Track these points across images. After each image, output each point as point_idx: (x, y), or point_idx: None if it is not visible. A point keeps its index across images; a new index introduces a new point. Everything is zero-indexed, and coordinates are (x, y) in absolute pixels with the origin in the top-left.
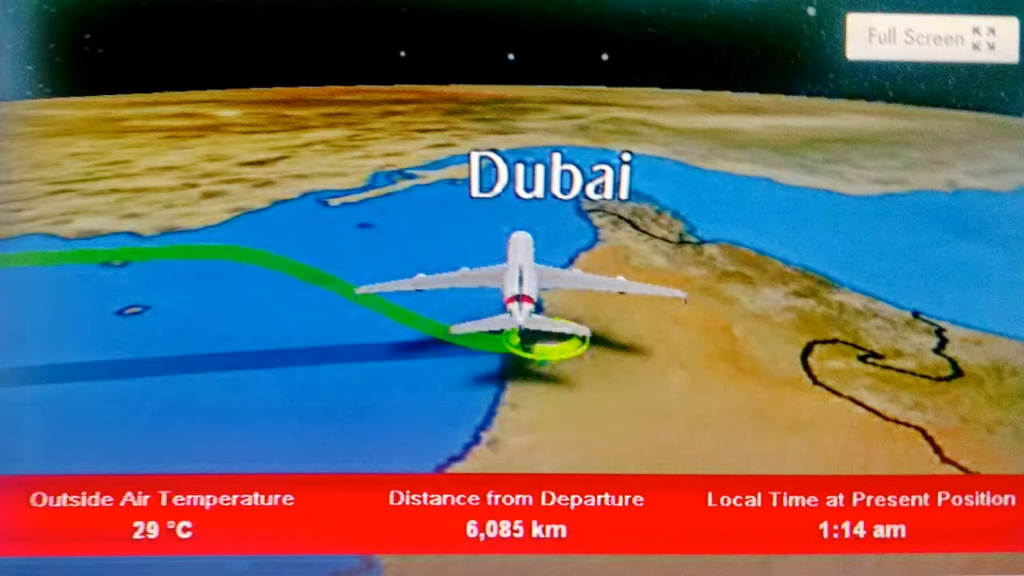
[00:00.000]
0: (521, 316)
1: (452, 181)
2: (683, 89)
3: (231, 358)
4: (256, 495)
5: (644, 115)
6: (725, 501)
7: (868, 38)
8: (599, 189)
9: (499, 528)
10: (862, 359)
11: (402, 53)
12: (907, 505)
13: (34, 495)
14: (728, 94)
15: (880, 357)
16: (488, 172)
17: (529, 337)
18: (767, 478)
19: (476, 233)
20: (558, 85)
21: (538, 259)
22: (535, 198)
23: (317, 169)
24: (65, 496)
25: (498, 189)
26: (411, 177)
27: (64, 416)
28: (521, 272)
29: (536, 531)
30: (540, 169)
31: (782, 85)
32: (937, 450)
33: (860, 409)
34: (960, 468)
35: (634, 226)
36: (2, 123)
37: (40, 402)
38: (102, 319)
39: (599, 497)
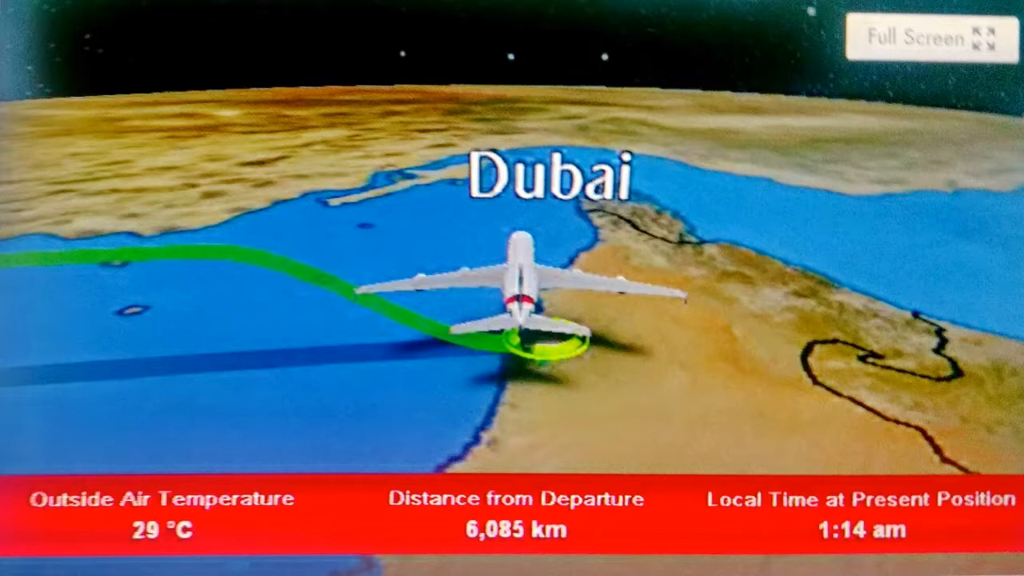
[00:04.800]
0: (521, 316)
1: (452, 181)
2: (683, 89)
3: (231, 358)
4: (256, 495)
5: (644, 115)
6: (725, 501)
7: (868, 38)
8: (599, 189)
9: (499, 528)
10: (862, 359)
11: (402, 53)
12: (907, 505)
13: (34, 495)
14: (728, 94)
15: (880, 357)
16: (488, 172)
17: (529, 337)
18: (767, 478)
19: (476, 233)
20: (558, 85)
21: (538, 259)
22: (535, 198)
23: (317, 169)
24: (65, 496)
25: (498, 189)
26: (411, 177)
27: (64, 416)
28: (521, 272)
29: (536, 531)
30: (540, 169)
31: (782, 85)
32: (937, 450)
33: (860, 409)
34: (960, 468)
35: (634, 226)
36: (2, 123)
37: (40, 402)
38: (102, 319)
39: (599, 497)
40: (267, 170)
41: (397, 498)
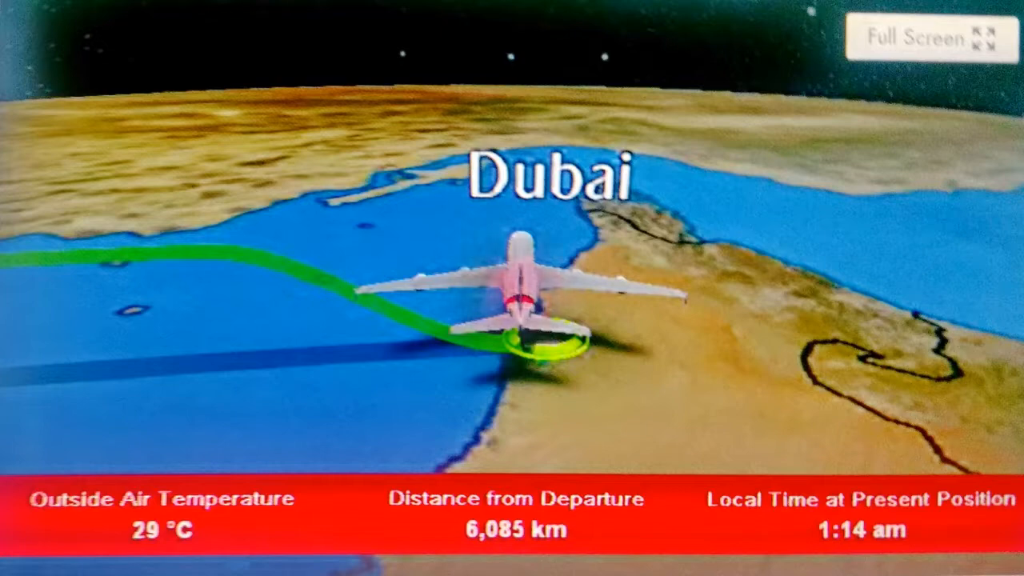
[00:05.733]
0: (521, 316)
1: (452, 181)
2: (683, 89)
3: (231, 358)
4: (256, 495)
5: (644, 115)
6: (725, 501)
7: (868, 38)
8: (599, 189)
9: (499, 528)
10: (862, 359)
11: (402, 53)
12: (907, 505)
13: (34, 495)
14: (728, 94)
15: (880, 357)
16: (488, 172)
17: (529, 337)
18: (767, 478)
19: (476, 233)
20: (558, 85)
21: (538, 259)
22: (535, 198)
23: (317, 169)
24: (65, 496)
25: (498, 189)
26: (411, 177)
27: (64, 416)
28: (521, 272)
29: (536, 531)
30: (540, 169)
31: (782, 85)
32: (937, 450)
33: (860, 409)
34: (960, 468)
35: (634, 226)
36: (2, 123)
37: (40, 402)
38: (102, 319)
39: (599, 497)
40: (267, 170)
41: (397, 498)
